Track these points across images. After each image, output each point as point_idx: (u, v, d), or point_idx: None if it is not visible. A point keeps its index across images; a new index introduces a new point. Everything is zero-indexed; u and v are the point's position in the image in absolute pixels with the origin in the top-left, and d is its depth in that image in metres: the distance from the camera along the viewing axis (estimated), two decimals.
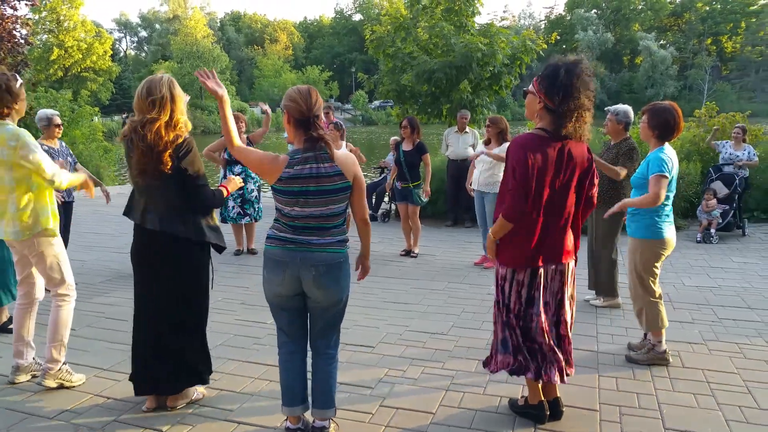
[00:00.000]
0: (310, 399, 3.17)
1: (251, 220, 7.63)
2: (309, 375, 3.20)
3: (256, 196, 7.61)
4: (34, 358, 3.92)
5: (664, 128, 4.02)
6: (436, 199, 9.82)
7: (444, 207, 9.91)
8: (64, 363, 3.81)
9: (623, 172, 4.92)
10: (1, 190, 3.63)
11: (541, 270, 3.18)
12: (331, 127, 7.85)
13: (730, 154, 8.97)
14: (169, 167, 3.23)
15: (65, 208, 5.63)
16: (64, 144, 6.04)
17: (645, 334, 4.32)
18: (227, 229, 7.85)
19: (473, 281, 6.35)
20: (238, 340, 4.62)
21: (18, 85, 3.66)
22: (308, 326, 3.17)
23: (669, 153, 4.02)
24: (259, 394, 3.71)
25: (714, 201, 8.39)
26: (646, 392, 3.71)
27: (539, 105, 3.08)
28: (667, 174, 3.92)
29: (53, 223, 3.73)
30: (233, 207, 7.50)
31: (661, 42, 71.01)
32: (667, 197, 4.06)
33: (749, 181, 8.91)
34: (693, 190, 9.15)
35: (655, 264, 4.15)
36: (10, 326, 4.70)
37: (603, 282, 5.38)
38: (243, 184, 3.81)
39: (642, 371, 4.01)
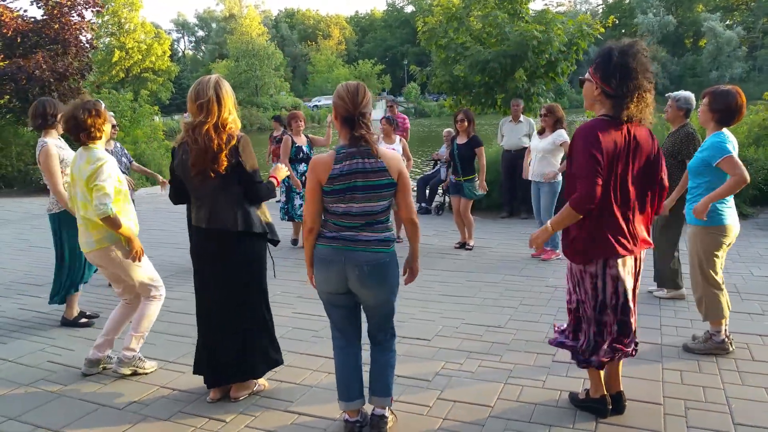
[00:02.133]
0: (366, 391, 3.21)
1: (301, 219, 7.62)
2: (366, 368, 3.23)
3: None
4: (107, 354, 4.11)
5: (726, 112, 3.86)
6: (492, 191, 9.68)
7: (499, 198, 9.78)
8: (138, 352, 4.03)
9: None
10: (80, 206, 3.87)
11: (626, 259, 3.10)
12: (384, 122, 7.84)
13: None
14: (224, 167, 3.29)
15: None
16: (119, 145, 6.24)
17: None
18: (288, 225, 7.98)
19: (530, 273, 6.26)
20: (296, 333, 4.70)
21: (103, 107, 3.94)
22: (361, 320, 3.22)
23: (728, 135, 3.87)
24: (318, 386, 3.77)
25: None
26: (713, 386, 3.58)
27: (597, 91, 2.99)
28: (734, 152, 3.78)
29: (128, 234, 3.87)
30: (300, 205, 7.44)
31: (727, 22, 67.81)
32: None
33: None
34: (762, 176, 8.71)
35: (716, 252, 4.01)
36: (81, 320, 4.94)
37: (665, 273, 5.22)
38: (290, 173, 3.75)
39: (708, 364, 3.87)
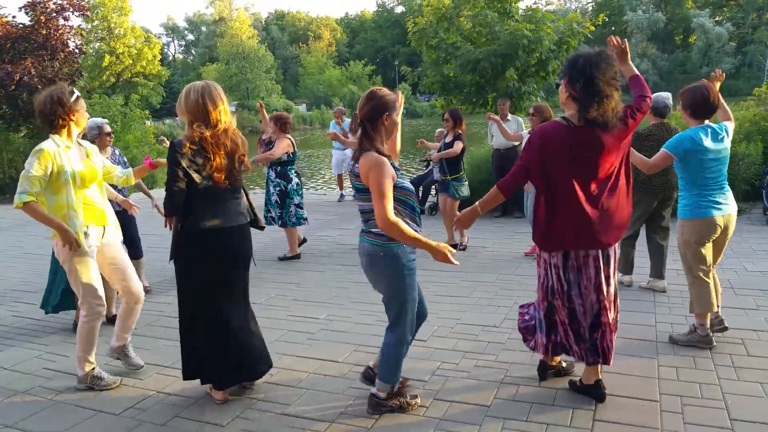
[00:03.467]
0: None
1: (271, 224, 7.17)
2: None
3: (276, 201, 7.14)
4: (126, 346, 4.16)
5: (695, 106, 4.01)
6: (485, 190, 9.71)
7: None
8: (90, 370, 3.91)
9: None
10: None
11: (572, 254, 3.29)
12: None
13: None
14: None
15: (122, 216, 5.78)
16: (117, 151, 6.03)
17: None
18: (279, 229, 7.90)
19: (524, 272, 6.27)
20: (291, 336, 4.69)
21: (73, 98, 3.73)
22: None
23: (698, 133, 3.96)
24: (315, 389, 3.76)
25: None
26: (708, 382, 3.60)
27: (565, 94, 3.24)
28: (671, 155, 4.01)
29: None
30: (294, 212, 7.23)
31: (717, 18, 68.21)
32: (709, 177, 4.01)
33: None
34: (754, 171, 8.76)
35: (697, 243, 4.09)
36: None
37: (620, 259, 5.30)
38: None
39: (703, 360, 3.89)
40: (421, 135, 35.24)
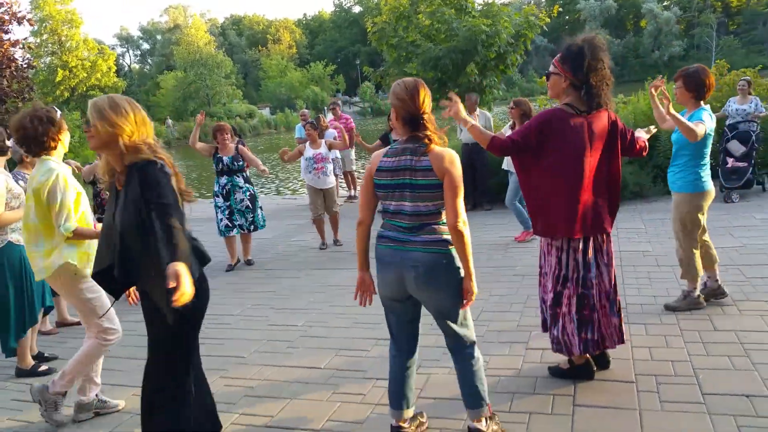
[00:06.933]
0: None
1: (243, 231, 7.30)
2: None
3: (248, 206, 7.20)
4: (96, 395, 3.77)
5: (698, 88, 4.26)
6: None
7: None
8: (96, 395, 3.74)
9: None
10: (27, 228, 3.59)
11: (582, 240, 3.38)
12: (308, 127, 7.94)
13: (736, 109, 8.73)
14: None
15: None
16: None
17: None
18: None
19: (497, 264, 6.34)
20: (271, 345, 4.67)
21: (59, 116, 3.66)
22: (418, 330, 3.18)
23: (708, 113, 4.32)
24: (298, 398, 3.76)
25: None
26: (680, 359, 3.70)
27: (565, 83, 3.30)
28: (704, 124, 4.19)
29: (80, 262, 3.60)
30: (221, 219, 7.19)
31: (665, 3, 69.98)
32: (707, 153, 4.35)
33: (761, 136, 8.60)
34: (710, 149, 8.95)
35: (701, 214, 4.38)
36: (40, 368, 4.58)
37: None
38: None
39: (674, 339, 4.00)
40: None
